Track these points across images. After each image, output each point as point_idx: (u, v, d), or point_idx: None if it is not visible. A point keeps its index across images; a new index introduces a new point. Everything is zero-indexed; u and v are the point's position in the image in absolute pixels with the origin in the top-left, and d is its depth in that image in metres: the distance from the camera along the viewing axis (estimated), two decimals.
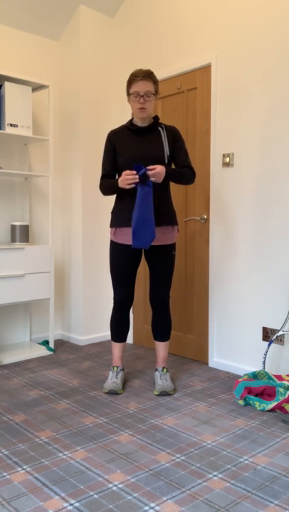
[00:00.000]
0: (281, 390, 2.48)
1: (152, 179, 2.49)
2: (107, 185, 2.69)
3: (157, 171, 2.48)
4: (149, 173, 2.47)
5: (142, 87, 2.57)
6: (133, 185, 2.51)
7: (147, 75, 2.58)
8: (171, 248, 2.74)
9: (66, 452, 2.04)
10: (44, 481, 1.81)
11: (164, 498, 1.70)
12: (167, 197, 2.73)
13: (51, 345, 3.62)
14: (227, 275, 3.15)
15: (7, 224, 3.65)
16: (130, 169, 2.59)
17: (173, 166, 2.84)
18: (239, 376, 3.06)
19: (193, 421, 2.36)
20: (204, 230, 3.32)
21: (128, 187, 2.51)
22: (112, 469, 1.90)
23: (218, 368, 3.22)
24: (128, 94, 2.64)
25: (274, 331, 2.90)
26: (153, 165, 2.57)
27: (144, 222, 2.49)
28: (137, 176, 2.47)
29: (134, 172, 2.48)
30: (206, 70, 3.23)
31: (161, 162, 2.65)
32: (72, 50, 3.81)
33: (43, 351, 3.53)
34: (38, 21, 3.68)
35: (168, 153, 2.67)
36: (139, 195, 2.50)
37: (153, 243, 2.68)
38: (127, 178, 2.49)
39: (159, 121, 2.75)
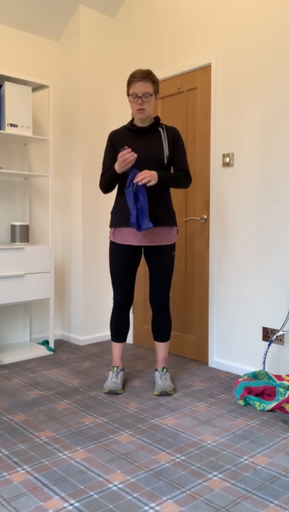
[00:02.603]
0: (281, 390, 2.48)
1: (147, 182, 2.50)
2: (105, 177, 2.68)
3: (147, 175, 2.47)
4: (139, 180, 2.48)
5: (140, 88, 2.56)
6: (128, 167, 2.53)
7: (145, 76, 2.56)
8: (170, 248, 2.74)
9: (66, 452, 2.04)
10: (44, 481, 1.81)
11: (164, 498, 1.70)
12: (167, 198, 2.73)
13: (51, 345, 3.62)
14: (227, 275, 3.15)
15: (7, 224, 3.65)
16: (128, 170, 2.58)
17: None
18: (239, 376, 3.06)
19: (193, 421, 2.36)
20: (204, 230, 3.31)
21: (125, 168, 2.51)
22: (112, 469, 1.90)
23: (218, 367, 3.22)
24: (127, 95, 2.64)
25: (274, 331, 2.90)
26: (151, 166, 2.59)
27: (140, 208, 2.52)
28: (130, 152, 2.48)
29: (130, 150, 2.48)
30: (206, 70, 3.23)
31: (160, 162, 2.65)
32: (72, 50, 3.81)
33: (43, 351, 3.53)
34: (38, 21, 3.68)
35: (167, 154, 2.67)
36: (129, 182, 2.53)
37: (153, 243, 2.69)
38: (125, 158, 2.48)
39: (160, 121, 2.74)
